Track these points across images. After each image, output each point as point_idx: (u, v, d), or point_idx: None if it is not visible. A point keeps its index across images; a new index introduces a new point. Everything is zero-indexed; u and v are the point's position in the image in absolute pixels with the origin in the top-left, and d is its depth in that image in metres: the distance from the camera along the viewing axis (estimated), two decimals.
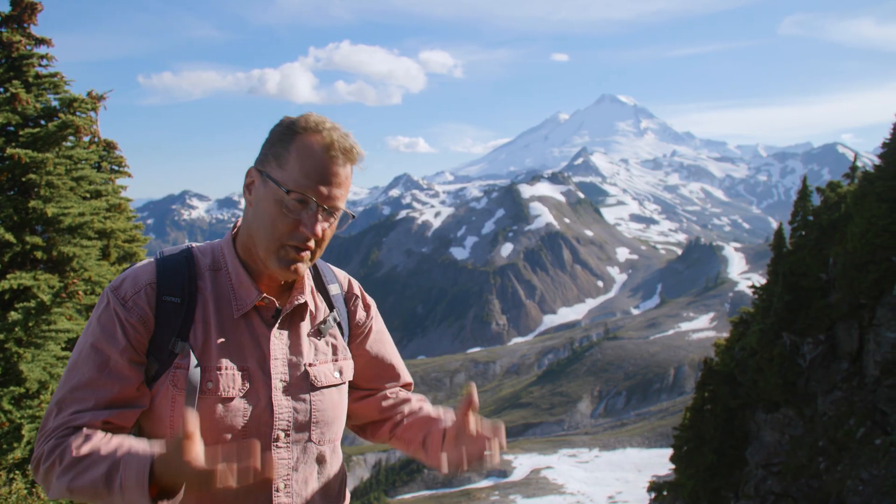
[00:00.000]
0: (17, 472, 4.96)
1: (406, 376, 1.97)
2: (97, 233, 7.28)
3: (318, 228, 1.54)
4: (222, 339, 1.58)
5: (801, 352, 23.07)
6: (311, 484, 1.65)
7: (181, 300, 1.57)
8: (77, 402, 1.49)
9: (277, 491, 1.58)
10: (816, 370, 22.47)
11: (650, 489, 29.62)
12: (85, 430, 1.46)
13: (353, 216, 1.64)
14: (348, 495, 1.86)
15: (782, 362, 23.13)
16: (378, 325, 1.92)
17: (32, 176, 6.32)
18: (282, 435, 1.59)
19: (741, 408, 25.09)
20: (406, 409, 1.90)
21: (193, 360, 1.53)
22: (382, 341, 1.92)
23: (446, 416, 1.79)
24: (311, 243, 1.56)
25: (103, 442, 1.43)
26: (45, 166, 6.32)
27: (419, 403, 1.91)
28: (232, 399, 1.54)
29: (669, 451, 29.71)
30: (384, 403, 1.90)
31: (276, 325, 1.64)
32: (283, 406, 1.60)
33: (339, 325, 1.80)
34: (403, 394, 1.94)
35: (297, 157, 1.53)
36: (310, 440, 1.64)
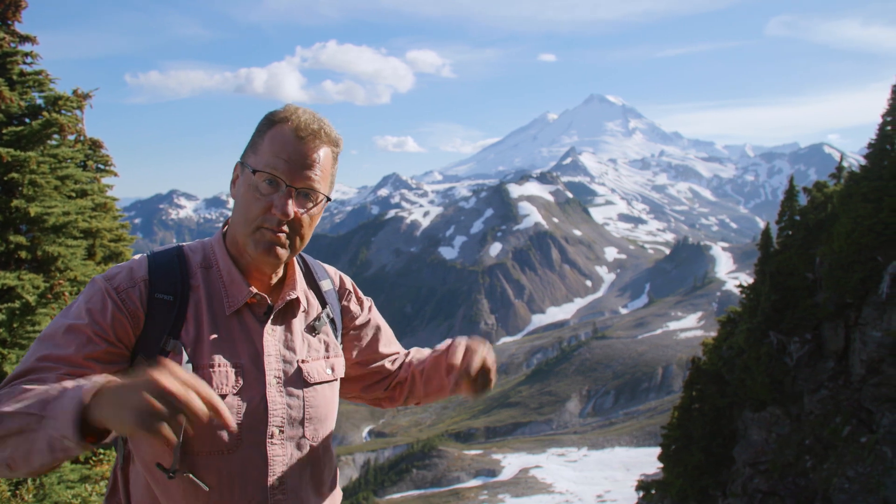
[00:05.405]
0: None
1: (402, 353, 2.03)
2: (82, 232, 7.20)
3: (289, 209, 1.53)
4: (215, 336, 1.58)
5: (787, 351, 23.22)
6: (305, 480, 1.66)
7: (174, 298, 1.57)
8: (45, 371, 1.37)
9: (273, 488, 1.58)
10: (803, 369, 22.62)
11: (638, 488, 29.74)
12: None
13: (329, 198, 1.63)
14: (340, 492, 1.87)
15: (769, 361, 23.28)
16: (377, 320, 1.97)
17: (15, 175, 6.23)
18: (276, 431, 1.59)
19: (728, 406, 25.22)
20: (408, 368, 1.99)
21: (185, 358, 1.52)
22: (380, 338, 1.96)
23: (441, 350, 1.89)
24: (286, 226, 1.56)
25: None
26: (28, 165, 6.23)
27: (414, 355, 2.02)
28: (225, 396, 1.54)
29: (657, 450, 29.84)
30: (389, 380, 1.98)
31: (269, 321, 1.65)
32: (277, 402, 1.60)
33: (332, 321, 1.81)
34: (399, 360, 2.01)
35: (269, 142, 1.56)
36: (304, 436, 1.65)
